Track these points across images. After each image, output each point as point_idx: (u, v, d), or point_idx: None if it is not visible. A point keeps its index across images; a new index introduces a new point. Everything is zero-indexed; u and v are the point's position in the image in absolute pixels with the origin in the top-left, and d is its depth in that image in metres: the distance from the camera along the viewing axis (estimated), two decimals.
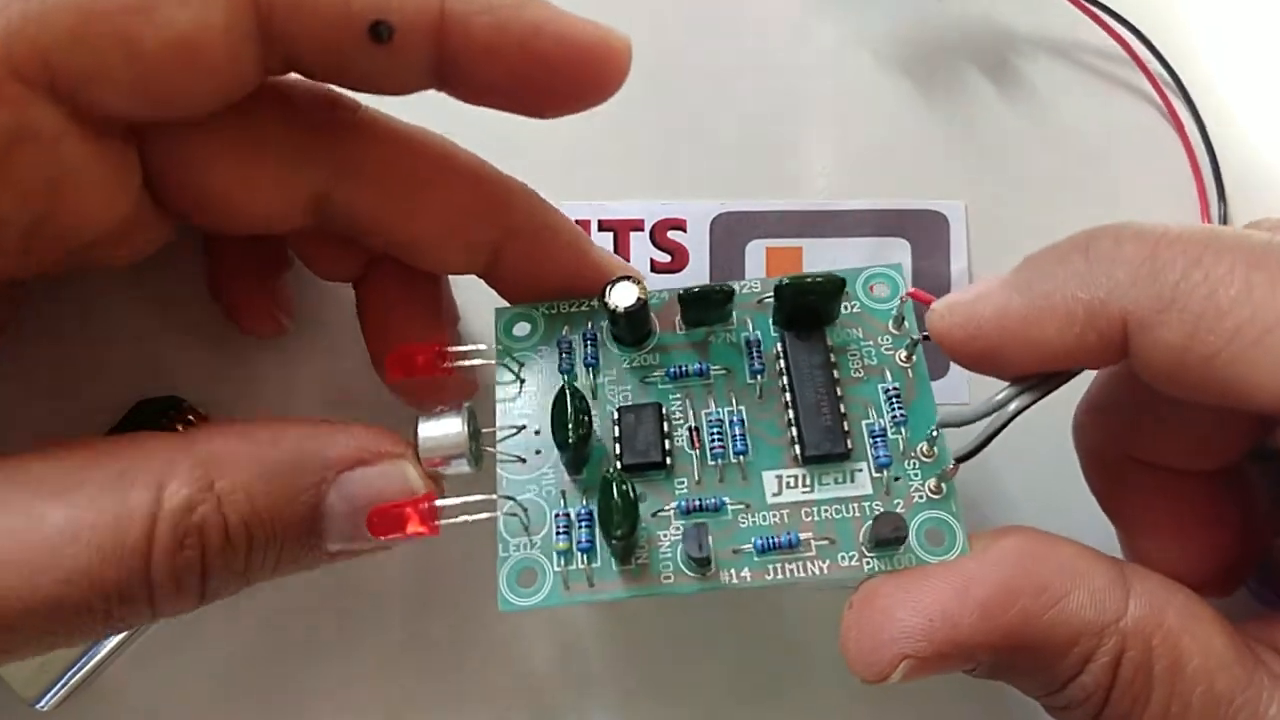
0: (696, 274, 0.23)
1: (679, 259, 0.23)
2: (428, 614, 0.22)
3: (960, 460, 0.17)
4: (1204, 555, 0.17)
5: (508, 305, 0.20)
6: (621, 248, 0.23)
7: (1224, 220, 0.23)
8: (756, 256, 0.23)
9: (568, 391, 0.18)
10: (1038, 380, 0.16)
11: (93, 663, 0.21)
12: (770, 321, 0.20)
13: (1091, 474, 0.19)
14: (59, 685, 0.20)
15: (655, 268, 0.23)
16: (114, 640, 0.20)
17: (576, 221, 0.22)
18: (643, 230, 0.23)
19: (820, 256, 0.23)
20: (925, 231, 0.23)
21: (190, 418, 0.21)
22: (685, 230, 0.23)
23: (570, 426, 0.17)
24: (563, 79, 0.17)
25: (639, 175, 0.23)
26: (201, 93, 0.16)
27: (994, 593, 0.16)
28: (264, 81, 0.17)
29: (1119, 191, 0.24)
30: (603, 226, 0.23)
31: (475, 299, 0.21)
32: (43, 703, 0.20)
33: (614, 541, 0.17)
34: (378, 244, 0.19)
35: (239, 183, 0.18)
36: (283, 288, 0.22)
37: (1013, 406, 0.16)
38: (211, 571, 0.15)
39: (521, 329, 0.20)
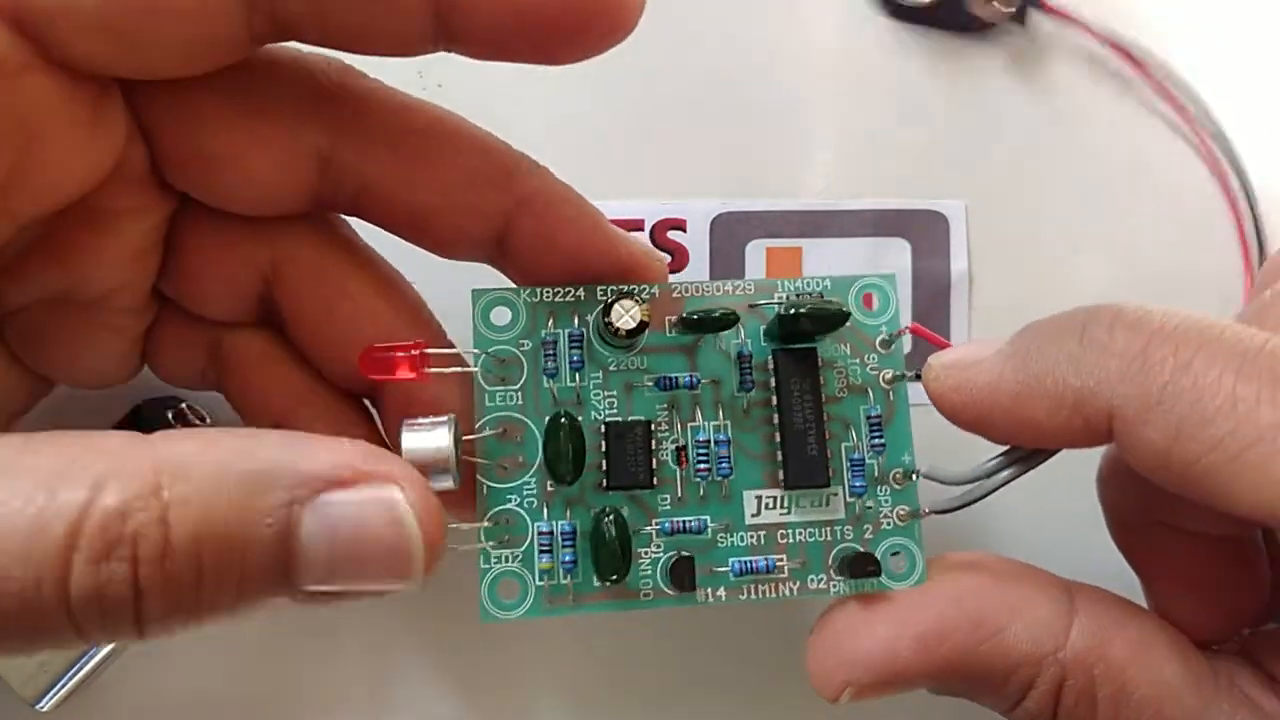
0: (696, 274, 0.22)
1: (679, 259, 0.23)
2: (427, 613, 0.22)
3: (935, 513, 0.18)
4: (1220, 611, 0.19)
5: (486, 288, 0.19)
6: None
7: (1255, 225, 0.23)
8: (756, 256, 0.23)
9: (564, 426, 0.17)
10: (1027, 454, 0.17)
11: (93, 663, 0.20)
12: (762, 330, 0.19)
13: (1113, 525, 0.20)
14: (59, 685, 0.20)
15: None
16: None
17: None
18: (643, 230, 0.22)
19: (820, 256, 0.22)
20: (925, 231, 0.23)
21: (193, 420, 0.20)
22: (685, 230, 0.23)
23: (570, 468, 0.17)
24: (574, 17, 0.15)
25: (639, 175, 0.23)
26: (178, 45, 0.15)
27: (930, 628, 0.17)
28: (260, 47, 0.16)
29: (1119, 191, 0.24)
30: None
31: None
32: (43, 703, 0.20)
33: (607, 582, 0.17)
34: (384, 215, 0.18)
35: (239, 143, 0.16)
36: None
37: (999, 478, 0.17)
38: (146, 594, 0.13)
39: (501, 317, 0.19)
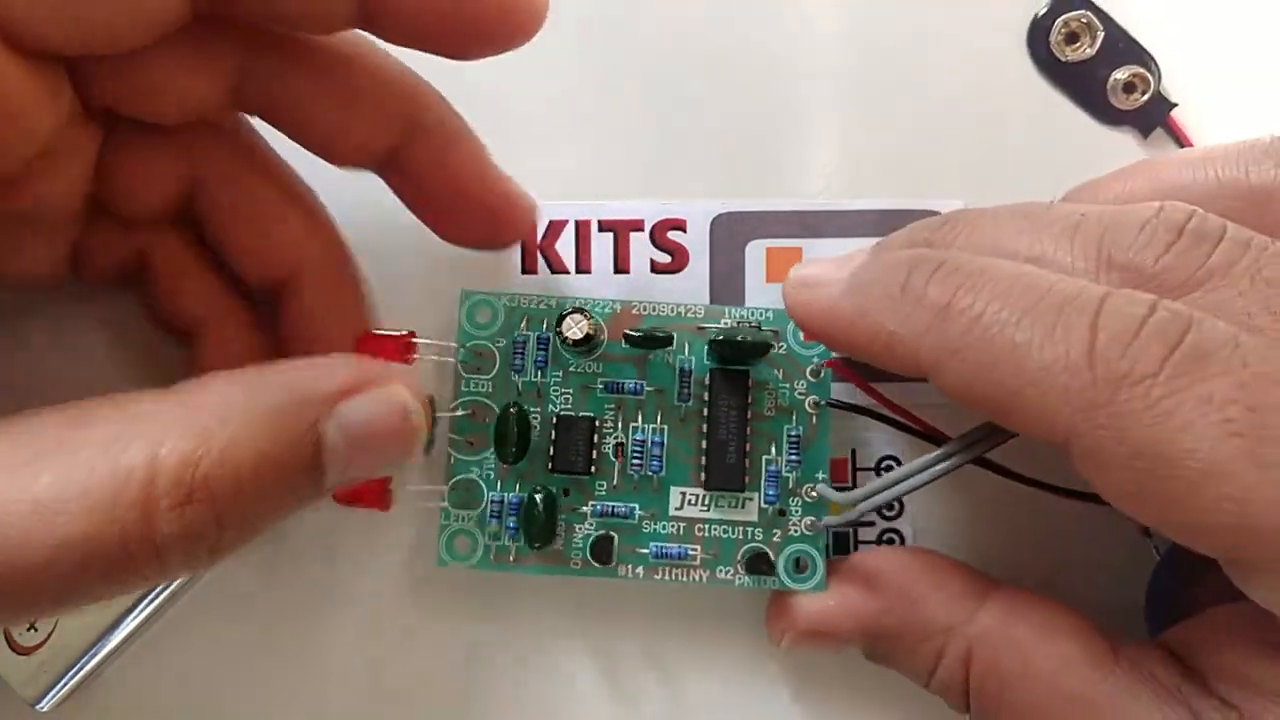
0: (696, 274, 0.23)
1: (679, 259, 0.23)
2: (426, 614, 0.23)
3: (830, 528, 0.21)
4: None
5: (474, 291, 0.22)
6: (621, 248, 0.23)
7: None
8: (756, 256, 0.23)
9: (513, 415, 0.21)
10: (900, 479, 0.20)
11: (93, 663, 0.21)
12: (705, 350, 0.22)
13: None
14: (59, 685, 0.20)
15: (655, 268, 0.23)
16: (115, 640, 0.21)
17: (576, 222, 0.23)
18: (643, 230, 0.23)
19: (820, 256, 0.22)
20: None
21: None
22: (685, 230, 0.23)
23: (514, 449, 0.21)
24: (485, 23, 0.17)
25: (639, 175, 0.23)
26: (127, 26, 0.16)
27: (860, 594, 0.20)
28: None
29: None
30: (603, 226, 0.23)
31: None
32: (43, 703, 0.20)
33: (533, 548, 0.21)
34: (289, 125, 0.19)
35: (163, 67, 0.18)
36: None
37: (876, 499, 0.20)
38: (226, 522, 0.15)
39: (483, 315, 0.22)
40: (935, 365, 0.17)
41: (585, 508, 0.21)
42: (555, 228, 0.23)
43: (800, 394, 0.22)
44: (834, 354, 0.22)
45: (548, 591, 0.23)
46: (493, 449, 0.22)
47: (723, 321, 0.22)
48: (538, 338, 0.22)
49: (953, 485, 0.22)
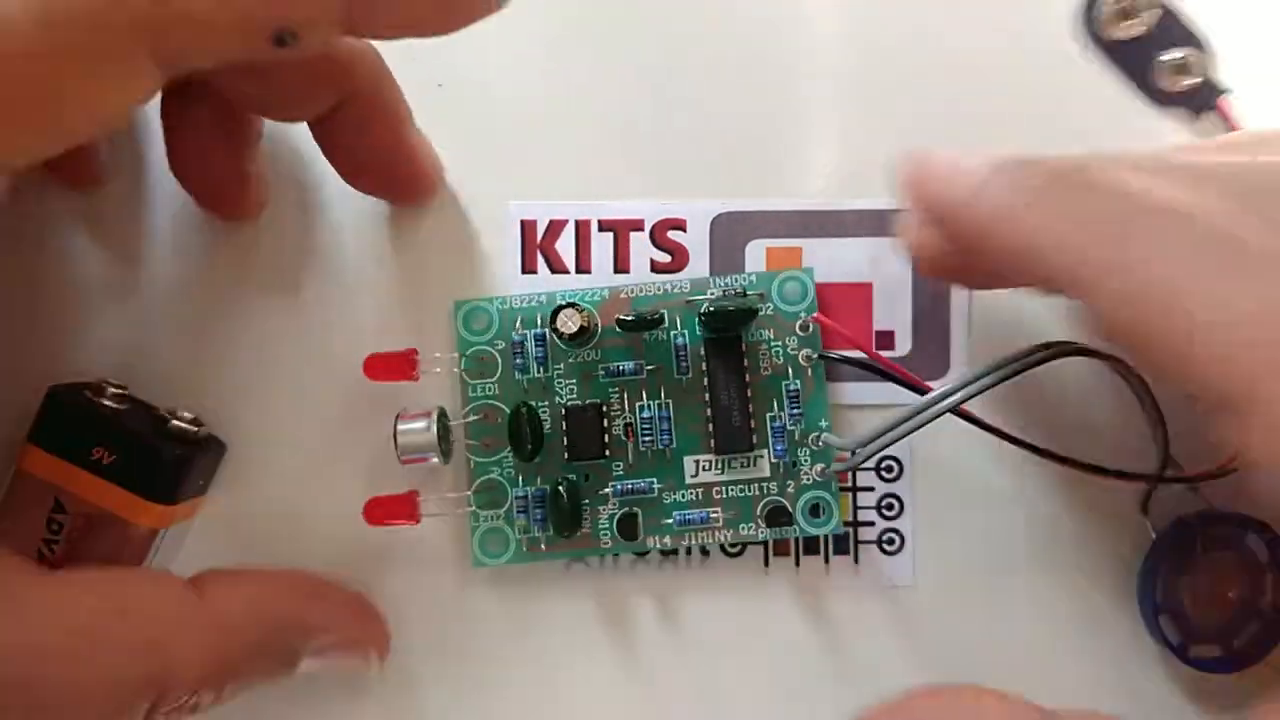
0: (696, 274, 0.23)
1: (679, 259, 0.23)
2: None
3: (838, 473, 0.22)
4: None
5: (466, 299, 0.23)
6: (621, 247, 0.23)
7: None
8: (756, 256, 0.23)
9: (523, 413, 0.22)
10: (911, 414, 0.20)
11: None
12: (696, 323, 0.23)
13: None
14: None
15: (655, 268, 0.23)
16: None
17: (576, 222, 0.23)
18: (643, 230, 0.23)
19: (820, 256, 0.23)
20: None
21: (111, 394, 0.21)
22: (685, 230, 0.23)
23: (524, 443, 0.21)
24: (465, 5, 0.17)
25: (639, 175, 0.23)
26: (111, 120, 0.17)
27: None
28: None
29: None
30: (603, 226, 0.23)
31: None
32: None
33: (563, 536, 0.22)
34: (229, 94, 0.19)
35: None
36: (256, 162, 0.21)
37: (884, 439, 0.21)
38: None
39: (479, 322, 0.23)
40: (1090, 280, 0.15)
41: (606, 489, 0.22)
42: (555, 228, 0.23)
43: (793, 350, 0.23)
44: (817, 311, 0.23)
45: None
46: (509, 449, 0.22)
47: (709, 292, 0.23)
48: (534, 335, 0.23)
49: (953, 485, 0.23)
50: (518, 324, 0.23)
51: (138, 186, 0.23)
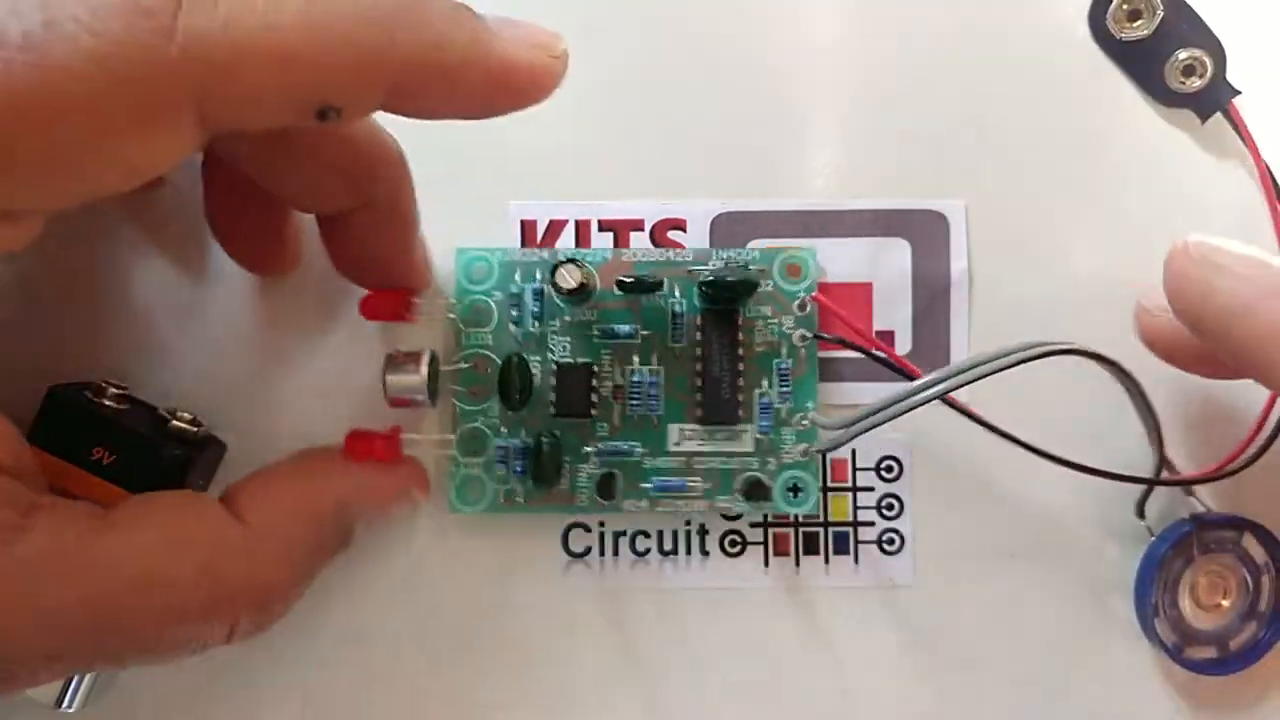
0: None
1: None
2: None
3: (821, 451, 0.22)
4: None
5: (468, 247, 0.23)
6: (621, 248, 0.23)
7: None
8: None
9: (515, 364, 0.22)
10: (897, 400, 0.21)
11: None
12: (695, 292, 0.23)
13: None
14: (74, 685, 0.21)
15: None
16: None
17: (576, 222, 0.23)
18: (643, 230, 0.23)
19: (820, 256, 0.23)
20: (925, 231, 0.23)
21: (111, 394, 0.21)
22: (685, 230, 0.23)
23: (513, 393, 0.22)
24: (502, 97, 0.17)
25: (639, 175, 0.23)
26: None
27: None
28: None
29: (1120, 190, 0.24)
30: (603, 226, 0.23)
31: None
32: (67, 705, 0.20)
33: (543, 488, 0.22)
34: (255, 176, 0.20)
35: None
36: (291, 224, 0.22)
37: (870, 420, 0.21)
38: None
39: (479, 272, 0.23)
40: None
41: (589, 448, 0.23)
42: (555, 227, 0.23)
43: (788, 329, 0.23)
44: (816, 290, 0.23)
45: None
46: (496, 398, 0.22)
47: (711, 263, 0.23)
48: (533, 290, 0.23)
49: (953, 486, 0.23)
50: (517, 276, 0.23)
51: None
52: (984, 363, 0.20)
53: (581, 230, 0.23)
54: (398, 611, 0.23)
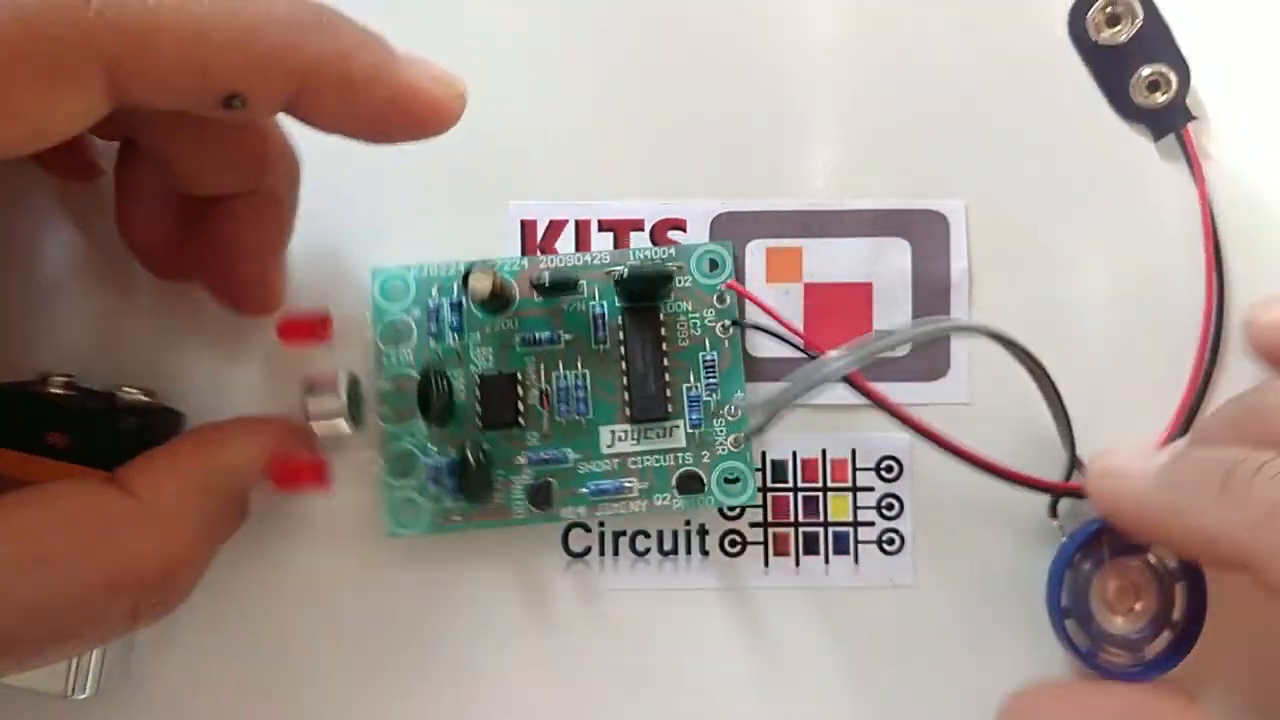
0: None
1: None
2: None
3: (749, 435, 0.22)
4: None
5: (383, 267, 0.23)
6: (621, 248, 0.23)
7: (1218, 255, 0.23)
8: (757, 256, 0.23)
9: (432, 375, 0.21)
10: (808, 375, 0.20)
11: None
12: (614, 293, 0.23)
13: None
14: (79, 669, 0.21)
15: None
16: None
17: (576, 222, 0.23)
18: (643, 230, 0.23)
19: (820, 256, 0.23)
20: (925, 231, 0.23)
21: (60, 379, 0.20)
22: (685, 230, 0.23)
23: (434, 409, 0.21)
24: (401, 119, 0.18)
25: (639, 175, 0.23)
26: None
27: None
28: None
29: (1121, 190, 0.24)
30: (602, 226, 0.23)
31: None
32: (77, 693, 0.20)
33: (475, 504, 0.21)
34: (146, 152, 0.20)
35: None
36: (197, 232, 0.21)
37: (789, 393, 0.21)
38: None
39: (395, 291, 0.23)
40: (1266, 564, 0.17)
41: (520, 459, 0.22)
42: (555, 227, 0.23)
43: (710, 321, 0.23)
44: (733, 278, 0.23)
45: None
46: (419, 419, 0.22)
47: (628, 263, 0.23)
48: (450, 303, 0.22)
49: (953, 486, 0.23)
50: (434, 291, 0.23)
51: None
52: (885, 338, 0.20)
53: (581, 230, 0.23)
54: (397, 613, 0.23)
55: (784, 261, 0.23)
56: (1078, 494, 0.22)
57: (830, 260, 0.23)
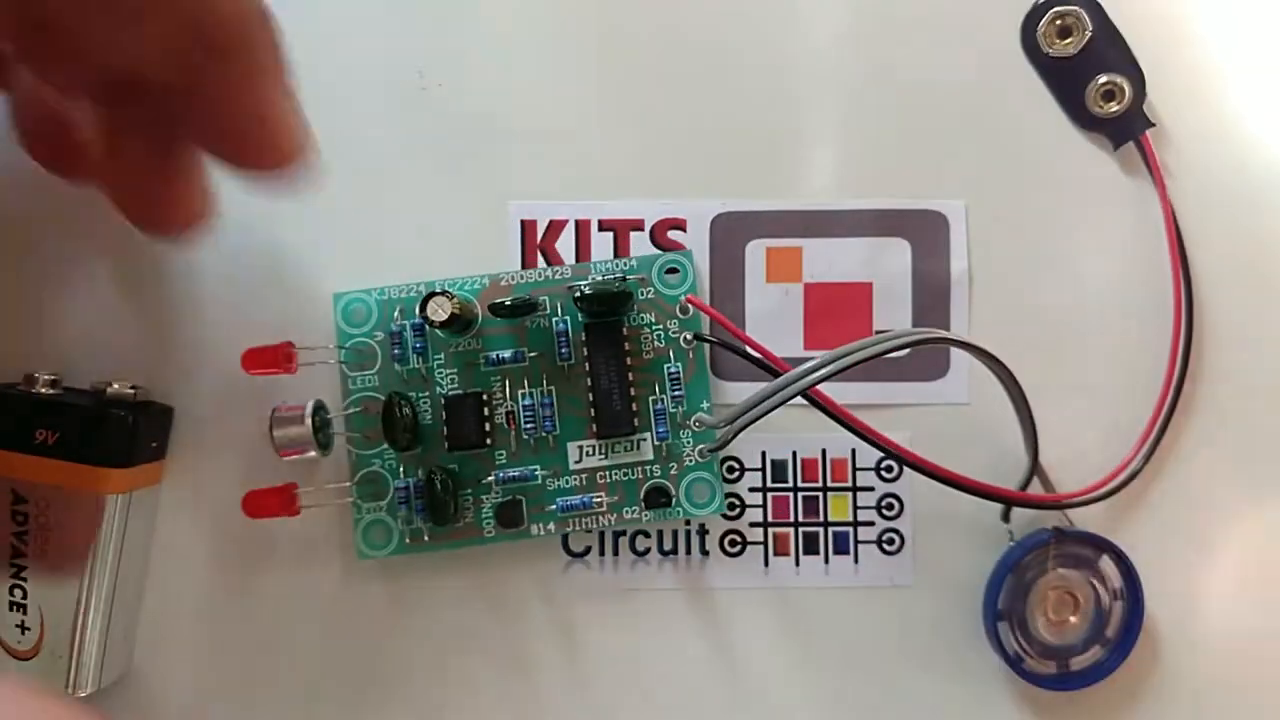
0: (697, 273, 0.23)
1: None
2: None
3: (715, 449, 0.22)
4: None
5: (345, 291, 0.23)
6: (621, 248, 0.23)
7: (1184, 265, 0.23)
8: (756, 256, 0.23)
9: (396, 404, 0.21)
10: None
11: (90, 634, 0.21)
12: (577, 310, 0.23)
13: None
14: (78, 670, 0.21)
15: None
16: (96, 610, 0.21)
17: (576, 221, 0.23)
18: (643, 230, 0.23)
19: (820, 256, 0.23)
20: (925, 231, 0.23)
21: (47, 379, 0.21)
22: (685, 230, 0.23)
23: (398, 434, 0.21)
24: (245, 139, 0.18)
25: (639, 175, 0.23)
26: None
27: None
28: None
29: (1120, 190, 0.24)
30: (603, 226, 0.23)
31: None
32: (78, 690, 0.21)
33: (441, 526, 0.22)
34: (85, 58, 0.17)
35: None
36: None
37: (750, 415, 0.21)
38: None
39: (358, 314, 0.23)
40: None
41: (489, 478, 0.22)
42: (555, 227, 0.23)
43: (674, 333, 0.23)
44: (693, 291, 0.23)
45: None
46: (386, 443, 0.22)
47: (590, 278, 0.23)
48: (412, 325, 0.22)
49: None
50: (396, 314, 0.23)
51: None
52: (849, 354, 0.20)
53: (581, 230, 0.23)
54: (398, 613, 0.23)
55: (784, 261, 0.23)
56: (1032, 504, 0.22)
57: (830, 260, 0.23)
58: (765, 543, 0.23)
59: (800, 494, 0.23)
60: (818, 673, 0.23)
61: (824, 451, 0.23)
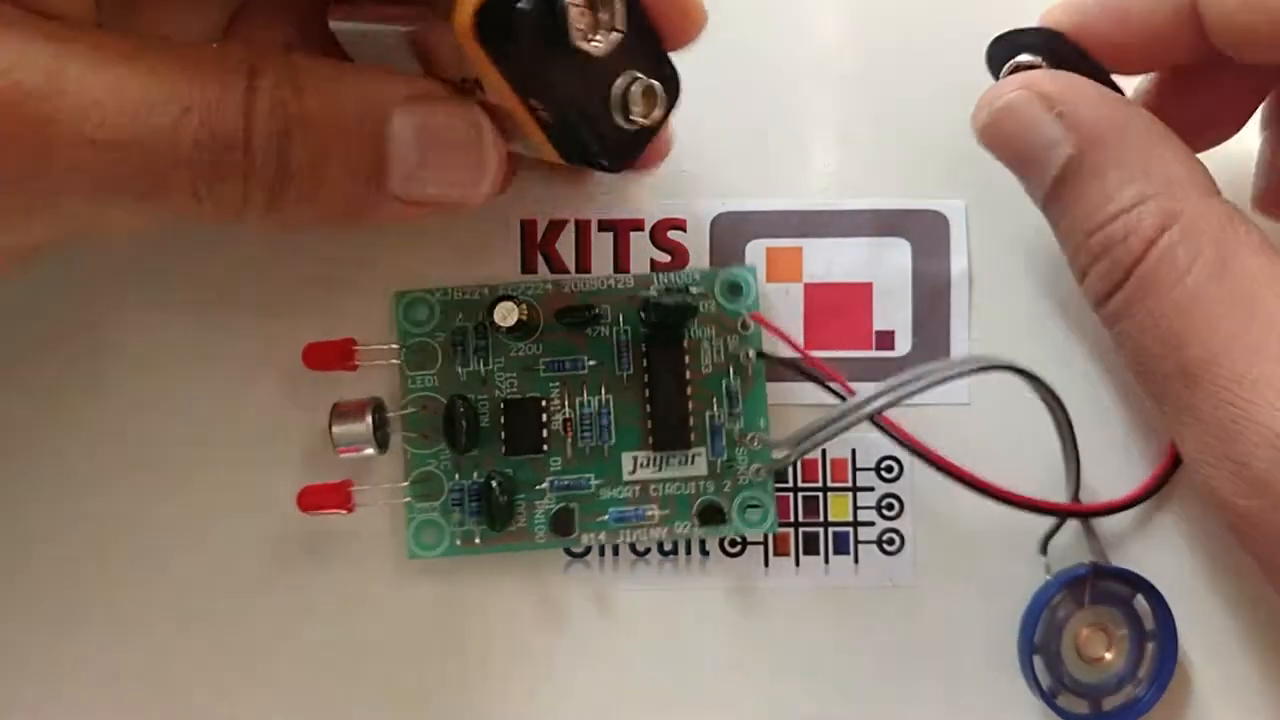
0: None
1: (679, 259, 0.23)
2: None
3: (772, 469, 0.22)
4: None
5: (407, 290, 0.23)
6: (621, 247, 0.23)
7: None
8: (757, 256, 0.23)
9: (458, 406, 0.22)
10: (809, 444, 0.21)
11: None
12: (639, 319, 0.23)
13: None
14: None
15: (655, 268, 0.23)
16: None
17: (576, 221, 0.23)
18: (643, 230, 0.23)
19: (820, 256, 0.23)
20: (925, 231, 0.23)
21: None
22: (685, 230, 0.23)
23: (459, 436, 0.21)
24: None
25: (639, 175, 0.23)
26: None
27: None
28: None
29: None
30: (602, 226, 0.23)
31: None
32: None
33: (496, 529, 0.22)
34: None
35: None
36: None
37: (816, 438, 0.21)
38: (291, 158, 0.15)
39: (420, 313, 0.23)
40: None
41: (543, 484, 0.22)
42: (555, 227, 0.23)
43: (734, 349, 0.23)
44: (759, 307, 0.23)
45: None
46: (444, 443, 0.22)
47: (652, 288, 0.23)
48: (475, 327, 0.22)
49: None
50: (459, 316, 0.23)
51: None
52: (914, 380, 0.20)
53: (581, 230, 0.23)
54: (398, 615, 0.23)
55: (784, 261, 0.23)
56: (1079, 514, 0.22)
57: (830, 260, 0.23)
58: (765, 543, 0.23)
59: (800, 494, 0.23)
60: (818, 673, 0.23)
61: (824, 452, 0.23)
